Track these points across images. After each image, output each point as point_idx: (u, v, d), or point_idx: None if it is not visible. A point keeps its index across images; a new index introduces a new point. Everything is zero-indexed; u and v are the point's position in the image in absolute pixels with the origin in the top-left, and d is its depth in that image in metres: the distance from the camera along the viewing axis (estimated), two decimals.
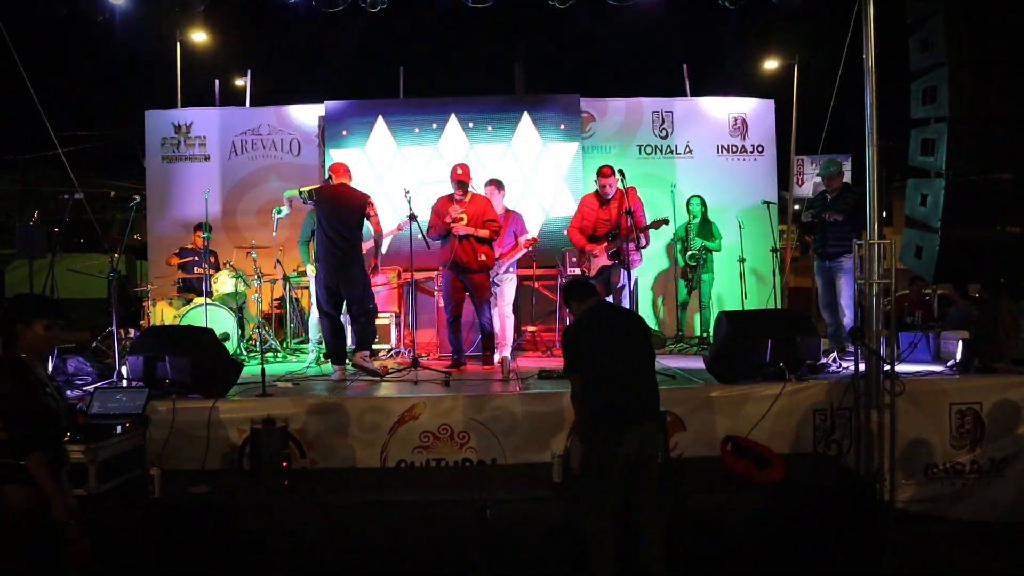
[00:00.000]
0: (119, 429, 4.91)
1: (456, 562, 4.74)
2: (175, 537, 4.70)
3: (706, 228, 9.27)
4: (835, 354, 6.92)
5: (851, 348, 6.08)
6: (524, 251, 8.13)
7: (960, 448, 5.93)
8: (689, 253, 9.20)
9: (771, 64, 15.31)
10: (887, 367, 5.76)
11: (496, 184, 8.14)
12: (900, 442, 5.81)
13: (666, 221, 8.05)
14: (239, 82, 15.58)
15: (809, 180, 17.29)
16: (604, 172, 7.84)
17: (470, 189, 7.64)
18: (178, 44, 12.90)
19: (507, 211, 8.21)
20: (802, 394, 5.87)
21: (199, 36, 13.53)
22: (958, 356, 6.67)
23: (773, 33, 13.82)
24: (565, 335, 4.74)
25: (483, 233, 7.52)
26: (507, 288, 8.03)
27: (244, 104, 11.13)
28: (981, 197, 5.48)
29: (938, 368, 6.75)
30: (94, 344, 8.11)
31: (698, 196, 9.45)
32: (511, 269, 8.09)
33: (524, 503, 4.88)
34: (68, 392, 6.30)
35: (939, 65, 5.54)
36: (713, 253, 9.23)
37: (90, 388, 6.22)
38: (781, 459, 5.16)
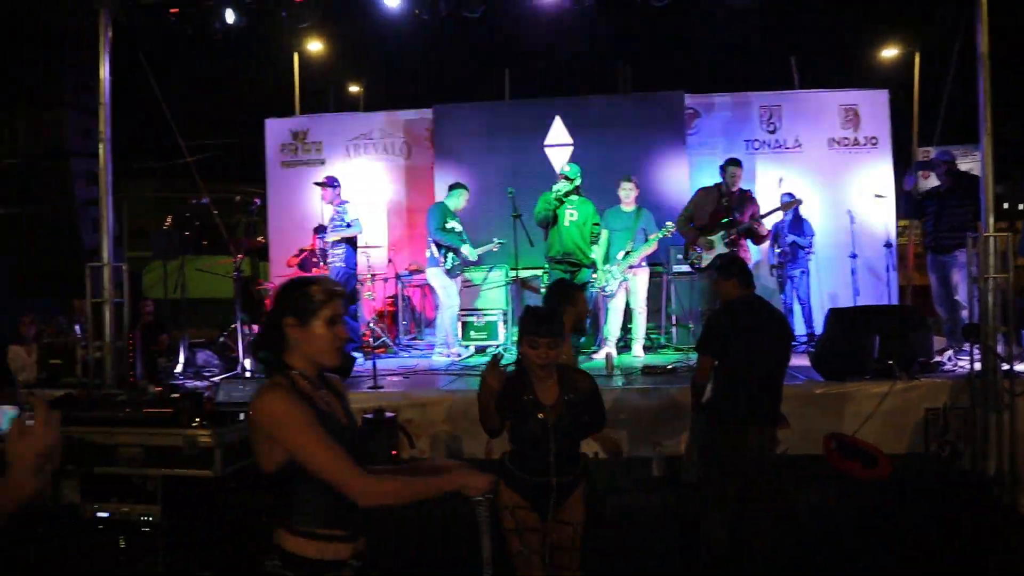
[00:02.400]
0: (242, 416, 5.25)
1: None
2: None
3: (798, 224, 9.05)
4: (951, 352, 6.68)
5: (967, 346, 5.88)
6: (654, 248, 8.10)
7: None
8: (779, 250, 9.03)
9: (888, 53, 14.79)
10: (1006, 366, 5.55)
11: (629, 180, 8.17)
12: (1020, 444, 5.59)
13: (800, 201, 8.00)
14: (353, 88, 16.25)
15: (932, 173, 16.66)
16: (733, 163, 7.77)
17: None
18: (295, 55, 13.53)
19: (638, 208, 8.20)
20: (913, 393, 5.71)
21: (315, 46, 14.14)
22: None
23: (889, 20, 13.33)
24: (712, 315, 4.74)
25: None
26: (639, 282, 8.04)
27: (358, 110, 11.59)
28: None
29: None
30: (220, 339, 8.63)
31: (790, 193, 9.22)
32: (643, 264, 8.08)
33: (626, 495, 4.96)
34: (196, 383, 6.78)
35: None
36: (805, 249, 8.99)
37: (216, 379, 6.64)
38: (887, 458, 5.06)
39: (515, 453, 3.54)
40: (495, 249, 8.40)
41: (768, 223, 7.98)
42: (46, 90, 6.46)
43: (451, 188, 8.43)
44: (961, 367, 6.27)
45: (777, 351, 4.45)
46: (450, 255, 7.95)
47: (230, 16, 6.65)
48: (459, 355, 8.15)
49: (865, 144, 10.23)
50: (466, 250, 7.98)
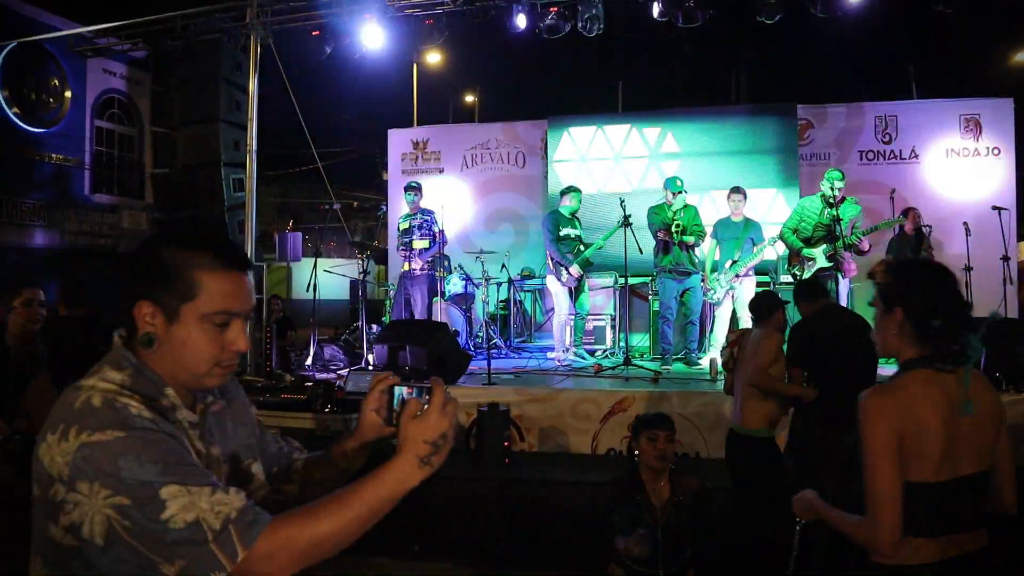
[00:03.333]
0: None
1: None
2: (411, 498, 5.44)
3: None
4: None
5: None
6: (760, 259, 8.25)
7: None
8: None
9: (1018, 58, 14.31)
10: None
11: (738, 191, 8.38)
12: None
13: (900, 220, 7.99)
14: (469, 98, 16.81)
15: None
16: (837, 176, 7.79)
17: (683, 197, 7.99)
18: (415, 67, 14.17)
19: (746, 219, 8.38)
20: (1021, 406, 5.71)
21: (434, 58, 14.75)
22: None
23: (1013, 27, 12.94)
24: (794, 329, 4.97)
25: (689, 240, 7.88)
26: (744, 291, 8.19)
27: (473, 120, 12.08)
28: None
29: None
30: (343, 337, 9.24)
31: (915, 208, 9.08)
32: (750, 274, 8.25)
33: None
34: (325, 374, 7.34)
35: None
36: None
37: (344, 372, 7.20)
38: None
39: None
40: (601, 246, 8.50)
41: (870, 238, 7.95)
42: (202, 107, 7.18)
43: (563, 192, 8.58)
44: None
45: (860, 350, 4.61)
46: (562, 270, 8.21)
47: (369, 39, 7.19)
48: (572, 358, 8.43)
49: (987, 154, 10.05)
50: (574, 270, 8.18)
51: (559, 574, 5.13)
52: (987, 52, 13.97)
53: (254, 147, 7.06)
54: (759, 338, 4.70)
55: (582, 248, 8.27)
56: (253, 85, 6.93)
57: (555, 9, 7.25)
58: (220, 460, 1.52)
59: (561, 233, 8.29)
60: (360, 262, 8.56)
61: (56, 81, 11.89)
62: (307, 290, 7.87)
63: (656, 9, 7.50)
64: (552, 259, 8.29)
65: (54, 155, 11.95)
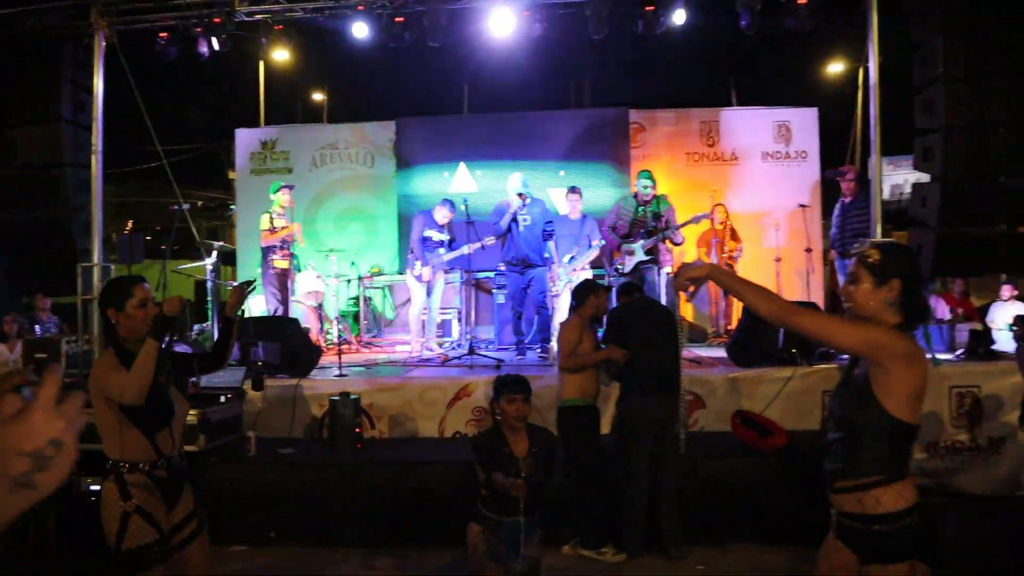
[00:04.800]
0: (223, 399, 5.92)
1: None
2: (267, 487, 5.68)
3: (733, 232, 9.88)
4: None
5: None
6: (596, 253, 8.88)
7: (960, 427, 6.53)
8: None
9: (832, 70, 15.82)
10: None
11: (575, 191, 8.98)
12: None
13: (707, 215, 8.80)
14: (317, 97, 16.78)
15: (885, 182, 17.67)
16: (645, 176, 8.57)
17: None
18: (261, 66, 14.03)
19: (583, 216, 8.98)
20: (812, 377, 6.55)
21: (281, 56, 14.66)
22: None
23: (818, 44, 14.29)
24: (612, 312, 5.63)
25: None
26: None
27: (322, 120, 12.18)
28: (973, 198, 6.09)
29: (948, 356, 7.31)
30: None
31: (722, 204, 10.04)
32: (586, 268, 8.85)
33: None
34: None
35: (936, 80, 6.18)
36: (738, 253, 9.84)
37: None
38: (783, 430, 5.87)
39: (488, 498, 4.03)
40: (468, 252, 8.97)
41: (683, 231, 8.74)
42: (43, 105, 6.95)
43: (443, 202, 9.12)
44: None
45: (664, 333, 5.40)
46: (418, 264, 8.67)
47: (216, 43, 7.29)
48: (423, 351, 8.83)
49: (796, 157, 11.11)
50: (426, 271, 8.67)
51: (414, 549, 5.52)
52: (797, 66, 15.31)
53: (99, 147, 7.01)
54: (562, 327, 5.48)
55: (441, 252, 8.79)
56: (98, 84, 6.88)
57: (400, 20, 7.59)
58: None
59: (425, 234, 8.78)
60: (210, 262, 8.64)
61: None
62: (156, 290, 7.79)
63: (497, 26, 7.98)
64: (413, 255, 8.73)
65: None
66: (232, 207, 9.93)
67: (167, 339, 3.32)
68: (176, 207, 8.64)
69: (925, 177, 6.55)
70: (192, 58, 8.16)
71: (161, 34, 7.16)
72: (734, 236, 9.81)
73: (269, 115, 13.01)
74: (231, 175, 13.33)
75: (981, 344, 7.06)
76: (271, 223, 8.99)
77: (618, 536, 5.29)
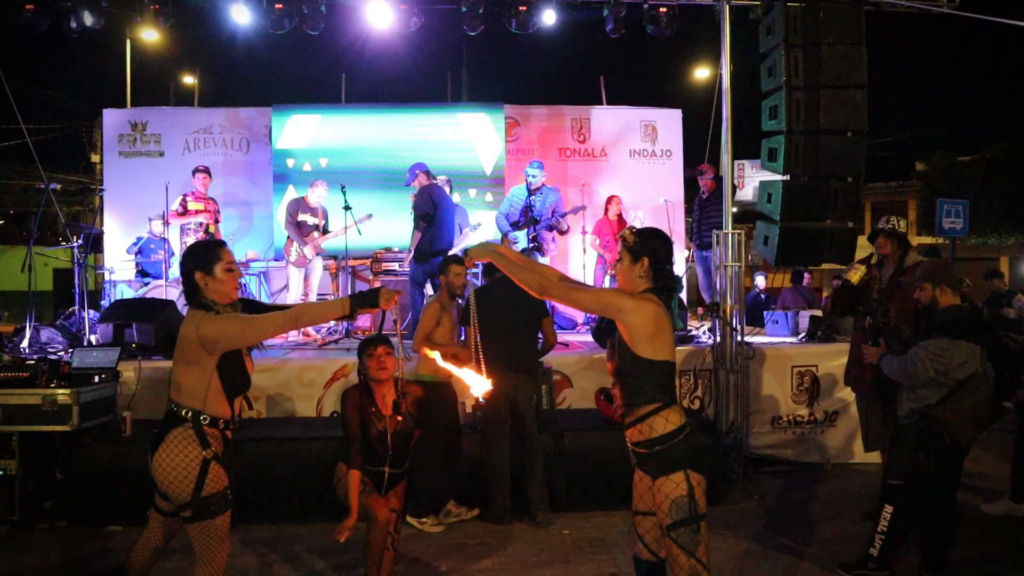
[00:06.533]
0: (96, 379, 5.89)
1: None
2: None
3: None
4: (706, 327, 8.14)
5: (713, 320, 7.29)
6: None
7: (799, 403, 7.20)
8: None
9: (700, 73, 16.71)
10: (739, 336, 6.99)
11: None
12: (751, 398, 7.05)
13: (584, 208, 9.27)
14: (188, 80, 16.32)
15: (749, 184, 18.77)
16: (535, 166, 9.04)
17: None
18: (128, 43, 13.60)
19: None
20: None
21: (149, 35, 14.22)
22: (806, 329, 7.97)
23: (683, 50, 15.08)
24: (472, 294, 5.88)
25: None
26: None
27: (192, 103, 11.95)
28: (811, 196, 6.72)
29: (792, 339, 8.02)
30: (58, 322, 8.97)
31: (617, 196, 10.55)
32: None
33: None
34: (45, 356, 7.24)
35: (779, 88, 6.78)
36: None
37: (63, 354, 7.14)
38: None
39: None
40: (339, 234, 9.09)
41: (568, 220, 9.27)
42: None
43: (312, 183, 9.38)
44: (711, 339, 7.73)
45: (521, 316, 5.78)
46: (294, 247, 8.82)
47: (88, 18, 7.12)
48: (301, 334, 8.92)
49: (661, 156, 11.76)
50: (307, 251, 8.84)
51: (293, 524, 5.68)
52: (664, 70, 16.11)
53: None
54: (423, 309, 5.95)
55: (316, 235, 9.04)
56: None
57: (280, 6, 7.63)
58: None
59: (299, 219, 8.98)
60: (76, 248, 8.47)
61: None
62: (22, 272, 7.57)
63: (376, 17, 8.15)
64: (289, 240, 8.92)
65: None
66: (101, 189, 9.65)
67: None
68: (43, 185, 8.36)
69: (773, 176, 7.16)
70: (56, 34, 7.95)
71: (28, 6, 6.91)
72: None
73: (136, 97, 12.68)
74: (94, 158, 12.90)
75: (819, 328, 7.78)
76: (183, 204, 9.22)
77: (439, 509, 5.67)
